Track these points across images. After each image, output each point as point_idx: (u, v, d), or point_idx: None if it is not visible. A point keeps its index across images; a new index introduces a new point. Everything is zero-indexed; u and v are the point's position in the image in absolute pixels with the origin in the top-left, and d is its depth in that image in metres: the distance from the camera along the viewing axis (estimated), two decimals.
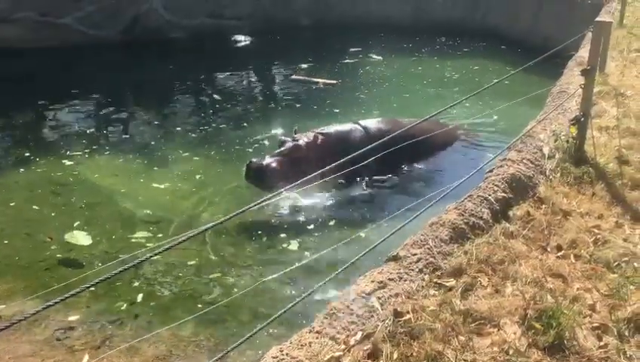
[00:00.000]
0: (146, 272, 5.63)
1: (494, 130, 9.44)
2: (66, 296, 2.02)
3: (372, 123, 8.13)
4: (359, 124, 8.00)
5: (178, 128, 10.00)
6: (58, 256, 5.95)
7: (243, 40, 17.02)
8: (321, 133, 7.53)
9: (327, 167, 3.44)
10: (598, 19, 5.81)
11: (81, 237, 6.27)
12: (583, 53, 8.14)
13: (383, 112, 10.18)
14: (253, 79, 13.76)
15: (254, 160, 7.00)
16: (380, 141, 3.70)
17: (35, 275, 5.62)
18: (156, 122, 10.32)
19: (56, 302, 2.00)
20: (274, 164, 6.92)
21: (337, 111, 10.50)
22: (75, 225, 6.52)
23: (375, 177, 7.58)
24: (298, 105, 11.23)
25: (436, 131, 7.58)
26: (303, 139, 7.34)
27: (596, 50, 5.15)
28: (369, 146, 3.67)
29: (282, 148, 7.24)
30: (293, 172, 6.68)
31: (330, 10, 18.03)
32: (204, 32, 16.61)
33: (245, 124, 10.01)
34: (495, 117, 9.52)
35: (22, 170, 8.07)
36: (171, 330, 4.57)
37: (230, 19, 17.48)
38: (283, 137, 7.59)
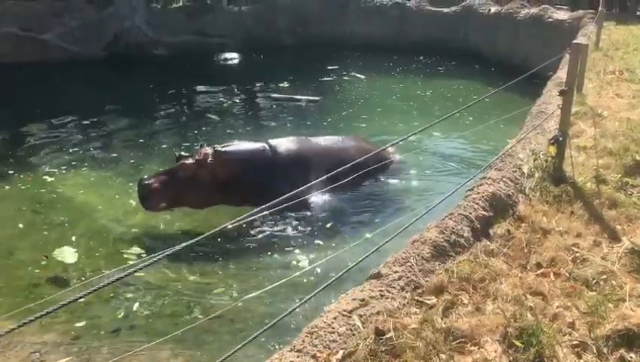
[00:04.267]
0: (127, 291, 5.54)
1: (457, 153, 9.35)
2: (40, 314, 1.98)
3: (281, 143, 7.39)
4: (268, 143, 7.33)
5: (160, 145, 9.95)
6: (39, 273, 5.83)
7: (226, 58, 17.06)
8: (219, 151, 6.82)
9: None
10: (575, 41, 5.94)
11: (67, 256, 6.16)
12: (561, 74, 8.29)
13: (364, 130, 10.28)
14: (235, 97, 13.76)
15: (144, 177, 6.65)
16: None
17: (18, 295, 5.49)
18: (140, 140, 10.23)
19: (31, 321, 1.95)
20: (155, 184, 6.50)
21: (319, 127, 10.53)
22: (59, 243, 6.39)
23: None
24: (280, 123, 11.25)
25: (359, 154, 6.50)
26: (195, 156, 6.76)
27: (574, 71, 5.25)
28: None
29: (173, 166, 6.78)
30: (180, 193, 6.52)
31: (312, 29, 18.25)
32: (187, 50, 16.68)
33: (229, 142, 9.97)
34: (466, 141, 9.57)
35: (2, 187, 7.94)
36: (151, 351, 4.49)
37: (214, 37, 17.58)
38: (182, 153, 7.07)
